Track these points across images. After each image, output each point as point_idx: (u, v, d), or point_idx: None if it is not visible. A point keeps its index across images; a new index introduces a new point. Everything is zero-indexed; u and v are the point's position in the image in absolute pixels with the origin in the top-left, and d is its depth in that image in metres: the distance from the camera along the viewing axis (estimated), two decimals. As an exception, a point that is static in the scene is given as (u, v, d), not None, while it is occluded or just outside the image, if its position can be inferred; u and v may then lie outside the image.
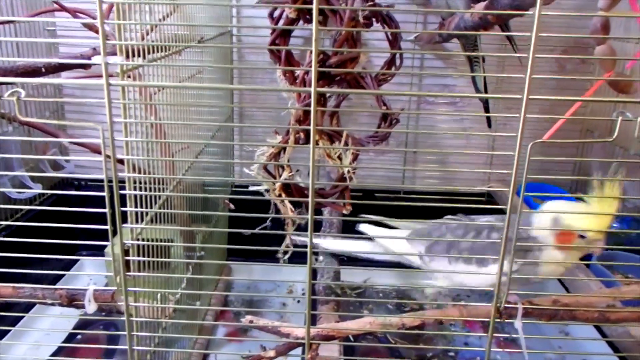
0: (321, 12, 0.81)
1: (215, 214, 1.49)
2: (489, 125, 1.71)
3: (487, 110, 1.61)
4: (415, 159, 1.98)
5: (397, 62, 1.48)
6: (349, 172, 0.87)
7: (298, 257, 1.04)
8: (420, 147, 1.95)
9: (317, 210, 1.29)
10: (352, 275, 1.86)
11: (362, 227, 1.19)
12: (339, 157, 0.85)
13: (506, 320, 0.89)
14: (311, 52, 0.70)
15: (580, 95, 1.08)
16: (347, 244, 1.18)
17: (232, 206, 1.49)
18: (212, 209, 1.50)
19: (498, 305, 0.87)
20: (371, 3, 1.32)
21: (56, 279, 1.66)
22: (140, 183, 0.79)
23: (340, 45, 0.80)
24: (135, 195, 0.76)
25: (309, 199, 0.79)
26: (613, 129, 0.73)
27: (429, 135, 1.94)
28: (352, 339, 1.31)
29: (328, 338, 0.89)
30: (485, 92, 1.56)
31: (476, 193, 1.89)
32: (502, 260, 0.83)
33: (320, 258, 1.20)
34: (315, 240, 1.15)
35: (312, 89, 0.73)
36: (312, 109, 0.74)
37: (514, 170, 0.78)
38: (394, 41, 1.44)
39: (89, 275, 1.78)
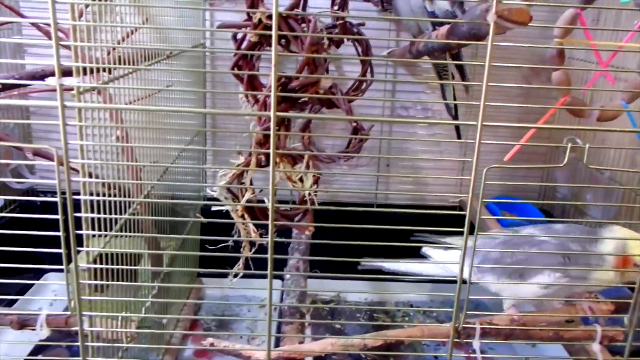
0: (284, 36, 0.82)
1: (180, 228, 1.49)
2: (459, 137, 1.73)
3: (456, 118, 1.62)
4: (389, 171, 1.99)
5: (368, 76, 1.49)
6: (310, 194, 0.87)
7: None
8: (393, 162, 1.96)
9: (288, 231, 1.29)
10: (323, 288, 1.88)
11: (425, 250, 1.18)
12: (301, 179, 0.86)
13: (465, 341, 0.91)
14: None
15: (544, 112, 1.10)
16: (413, 266, 1.16)
17: (202, 218, 1.49)
18: (181, 224, 1.50)
19: (456, 325, 0.88)
20: (342, 22, 1.33)
21: (24, 289, 1.64)
22: (98, 204, 0.79)
23: (302, 69, 0.81)
24: (93, 217, 0.76)
25: (269, 221, 0.80)
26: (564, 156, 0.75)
27: (402, 148, 1.95)
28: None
29: (289, 360, 0.90)
30: (455, 107, 1.58)
31: (449, 206, 1.91)
32: (460, 282, 0.84)
33: (287, 276, 1.21)
34: (378, 263, 1.15)
35: (271, 113, 0.74)
36: (271, 132, 0.75)
37: (470, 194, 0.79)
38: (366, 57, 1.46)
39: (54, 290, 1.75)
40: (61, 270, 0.77)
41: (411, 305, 1.88)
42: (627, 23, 1.50)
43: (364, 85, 1.45)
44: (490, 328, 0.91)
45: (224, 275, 1.51)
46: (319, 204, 1.89)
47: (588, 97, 1.52)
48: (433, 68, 1.59)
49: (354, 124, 1.44)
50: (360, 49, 1.44)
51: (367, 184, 2.00)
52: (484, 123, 0.75)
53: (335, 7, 1.33)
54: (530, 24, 0.73)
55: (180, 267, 1.56)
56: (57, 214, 0.74)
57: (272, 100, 0.73)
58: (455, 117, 1.64)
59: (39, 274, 1.72)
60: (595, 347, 0.91)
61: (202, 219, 1.47)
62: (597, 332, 0.91)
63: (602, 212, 1.67)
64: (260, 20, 0.79)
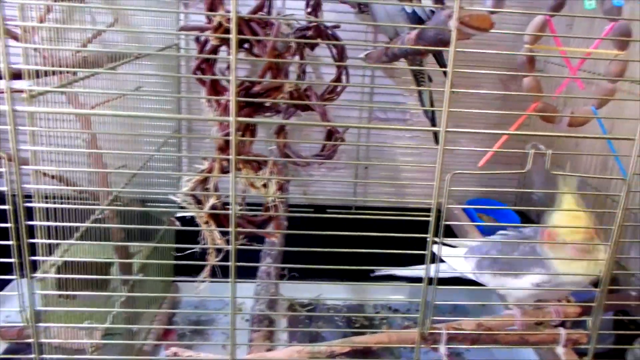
0: (246, 40, 0.81)
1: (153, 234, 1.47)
2: (436, 142, 1.72)
3: (433, 125, 1.61)
4: (367, 174, 1.98)
5: (344, 80, 1.48)
6: (274, 201, 0.86)
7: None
8: (370, 165, 1.95)
9: (260, 238, 1.27)
10: (300, 292, 1.87)
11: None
12: (265, 185, 0.85)
13: (431, 346, 0.90)
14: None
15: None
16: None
17: (177, 223, 1.48)
18: (153, 230, 1.49)
19: (423, 331, 0.88)
20: (314, 24, 1.32)
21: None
22: (62, 211, 0.77)
23: (263, 74, 0.80)
24: (49, 225, 0.74)
25: (231, 229, 0.79)
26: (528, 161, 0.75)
27: (381, 151, 1.95)
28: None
29: (255, 369, 0.89)
30: (433, 111, 1.57)
31: (426, 208, 1.89)
32: (425, 286, 0.84)
33: (258, 282, 1.20)
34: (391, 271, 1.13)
35: (231, 119, 0.73)
36: (231, 138, 0.74)
37: (434, 199, 0.79)
38: (340, 60, 1.45)
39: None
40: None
41: (389, 309, 1.87)
42: (600, 28, 1.50)
43: (339, 87, 1.44)
44: (457, 333, 0.90)
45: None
46: (297, 206, 1.90)
47: (562, 103, 1.52)
48: (410, 71, 1.59)
49: (329, 127, 1.43)
50: (335, 52, 1.43)
51: (346, 186, 1.99)
52: (447, 129, 0.75)
53: (309, 10, 1.32)
54: (492, 31, 0.72)
55: (154, 273, 1.54)
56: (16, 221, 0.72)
57: (232, 105, 0.72)
58: (433, 121, 1.63)
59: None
60: (560, 350, 0.92)
61: (175, 227, 1.46)
62: (562, 336, 0.91)
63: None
64: (220, 24, 0.78)
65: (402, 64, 1.69)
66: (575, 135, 0.83)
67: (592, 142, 1.50)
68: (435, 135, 1.70)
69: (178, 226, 1.46)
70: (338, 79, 1.49)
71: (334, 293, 1.89)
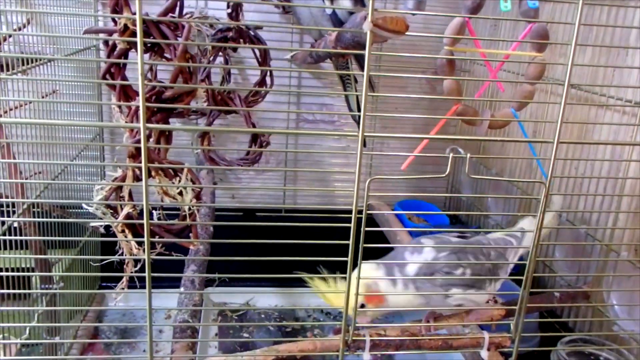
0: (156, 43, 0.78)
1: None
2: (364, 145, 1.72)
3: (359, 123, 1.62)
4: (296, 177, 1.97)
5: (268, 81, 1.46)
6: (190, 209, 0.83)
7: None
8: (301, 166, 1.94)
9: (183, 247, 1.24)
10: (231, 297, 1.84)
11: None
12: (180, 193, 0.82)
13: (355, 353, 0.89)
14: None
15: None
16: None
17: (102, 230, 1.42)
18: (77, 234, 1.44)
19: (346, 338, 0.87)
20: (238, 24, 1.30)
21: None
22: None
23: (175, 78, 0.77)
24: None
25: (145, 239, 0.76)
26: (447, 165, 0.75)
27: (309, 155, 1.94)
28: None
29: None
30: (359, 111, 1.57)
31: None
32: (348, 292, 0.82)
33: (182, 289, 1.16)
34: None
35: (141, 125, 0.70)
36: (142, 145, 0.71)
37: (354, 204, 0.78)
38: (263, 62, 1.43)
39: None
40: None
41: (322, 312, 1.86)
42: (523, 30, 1.53)
43: (263, 90, 1.42)
44: (380, 340, 0.90)
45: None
46: (225, 210, 1.87)
47: (485, 105, 1.55)
48: (337, 74, 1.58)
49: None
50: (258, 53, 1.41)
51: (275, 189, 1.97)
52: (366, 134, 0.74)
53: (229, 10, 1.29)
54: (408, 33, 0.72)
55: (77, 283, 1.49)
56: None
57: (141, 111, 0.69)
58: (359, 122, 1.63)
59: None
60: (484, 353, 0.92)
61: (91, 238, 1.40)
62: (485, 339, 0.92)
63: (503, 215, 1.71)
64: (126, 26, 0.74)
65: (327, 64, 1.68)
66: (492, 139, 0.83)
67: (518, 145, 1.53)
68: (364, 139, 1.71)
69: (98, 236, 1.41)
70: (262, 82, 1.47)
71: (266, 298, 1.87)
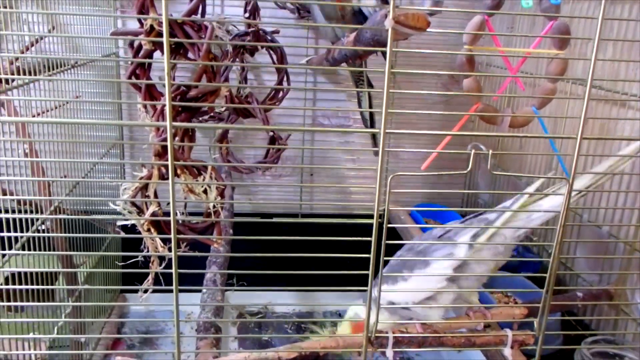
0: (180, 43, 0.80)
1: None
2: (375, 145, 1.72)
3: (372, 127, 1.62)
4: (313, 180, 1.97)
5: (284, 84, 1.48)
6: (214, 206, 0.84)
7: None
8: (317, 172, 1.94)
9: (205, 246, 1.25)
10: (249, 300, 1.85)
11: None
12: (205, 192, 0.83)
13: (379, 350, 0.90)
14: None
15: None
16: None
17: (122, 233, 1.44)
18: (98, 239, 1.45)
19: (369, 335, 0.87)
20: (254, 29, 1.31)
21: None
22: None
23: (199, 77, 0.78)
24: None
25: (172, 235, 0.77)
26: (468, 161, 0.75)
27: (325, 157, 1.94)
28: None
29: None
30: (371, 116, 1.57)
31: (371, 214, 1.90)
32: (370, 289, 0.83)
33: (204, 290, 1.17)
34: None
35: (167, 124, 0.71)
36: (169, 143, 0.72)
37: (376, 201, 0.78)
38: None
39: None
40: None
41: (339, 315, 1.86)
42: (541, 28, 1.53)
43: (281, 94, 1.43)
44: (403, 337, 0.90)
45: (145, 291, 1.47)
46: (243, 215, 1.87)
47: (504, 103, 1.55)
48: (350, 76, 1.59)
49: (271, 134, 1.42)
50: (275, 57, 1.42)
51: (291, 193, 1.98)
52: (387, 131, 0.74)
53: (247, 15, 1.31)
54: (429, 30, 0.72)
55: (100, 283, 1.51)
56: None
57: (167, 110, 0.70)
58: (372, 126, 1.63)
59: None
60: (507, 351, 0.92)
61: (120, 234, 1.42)
62: (508, 337, 0.92)
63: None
64: (152, 27, 0.76)
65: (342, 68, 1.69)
66: (516, 135, 0.84)
67: (537, 142, 1.53)
68: (374, 139, 1.71)
69: (121, 235, 1.42)
70: (280, 83, 1.48)
71: (283, 300, 1.87)
